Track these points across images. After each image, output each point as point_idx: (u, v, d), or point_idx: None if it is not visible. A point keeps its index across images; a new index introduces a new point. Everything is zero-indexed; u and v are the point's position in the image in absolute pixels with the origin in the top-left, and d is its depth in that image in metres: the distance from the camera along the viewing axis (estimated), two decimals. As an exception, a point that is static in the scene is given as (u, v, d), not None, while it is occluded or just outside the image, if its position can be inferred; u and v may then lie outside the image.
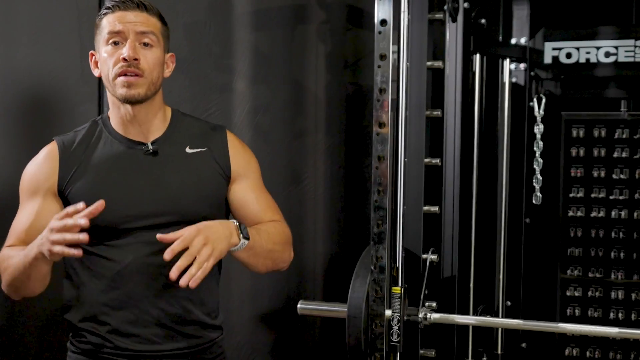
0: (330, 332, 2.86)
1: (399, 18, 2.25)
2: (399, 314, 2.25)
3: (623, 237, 2.60)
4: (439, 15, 2.50)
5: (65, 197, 2.05)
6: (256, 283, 2.93)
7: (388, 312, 2.25)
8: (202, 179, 2.11)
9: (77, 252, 1.84)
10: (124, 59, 1.98)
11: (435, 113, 2.49)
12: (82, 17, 2.77)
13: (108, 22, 2.03)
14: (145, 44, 2.03)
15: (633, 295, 2.60)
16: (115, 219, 2.00)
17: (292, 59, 2.94)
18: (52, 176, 2.06)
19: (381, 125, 2.21)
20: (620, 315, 2.62)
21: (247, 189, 2.19)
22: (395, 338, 2.25)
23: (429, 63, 2.46)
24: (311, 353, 2.97)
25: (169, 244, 1.86)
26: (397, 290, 2.26)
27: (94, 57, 2.10)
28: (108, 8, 2.04)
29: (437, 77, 2.62)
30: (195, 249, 1.83)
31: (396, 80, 2.25)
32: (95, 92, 2.79)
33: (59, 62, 2.75)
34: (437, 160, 2.48)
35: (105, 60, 2.02)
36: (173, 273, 1.81)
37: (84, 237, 1.83)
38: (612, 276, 2.62)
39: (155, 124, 2.11)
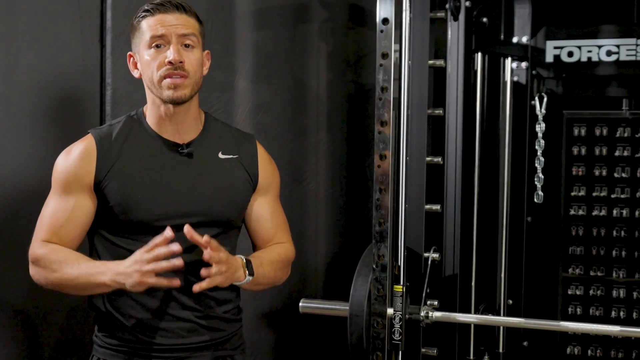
0: (331, 330, 2.86)
1: (400, 17, 2.25)
2: (400, 313, 2.25)
3: (624, 236, 2.61)
4: (440, 14, 2.50)
5: (101, 192, 2.06)
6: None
7: (390, 311, 2.25)
8: (233, 185, 2.17)
9: (175, 282, 1.96)
10: (170, 62, 2.02)
11: (436, 112, 2.49)
12: (84, 16, 2.78)
13: (149, 26, 2.05)
14: (187, 46, 2.07)
15: (634, 294, 2.61)
16: (150, 216, 2.04)
17: (294, 57, 2.94)
18: (90, 172, 2.06)
19: (383, 123, 2.21)
20: (621, 313, 2.62)
21: (266, 204, 2.25)
22: (397, 336, 2.25)
23: (430, 62, 2.46)
24: (313, 351, 2.97)
25: (195, 244, 1.99)
26: (398, 288, 2.26)
27: (132, 58, 2.13)
28: (147, 11, 2.06)
29: (438, 76, 2.62)
30: (217, 271, 1.98)
31: (398, 79, 2.25)
32: (97, 90, 2.80)
33: (61, 61, 2.75)
34: (438, 159, 2.48)
35: (148, 63, 2.05)
36: (202, 273, 1.97)
37: (179, 262, 1.94)
38: (614, 275, 2.63)
39: (191, 125, 2.15)
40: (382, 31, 2.20)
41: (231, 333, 2.19)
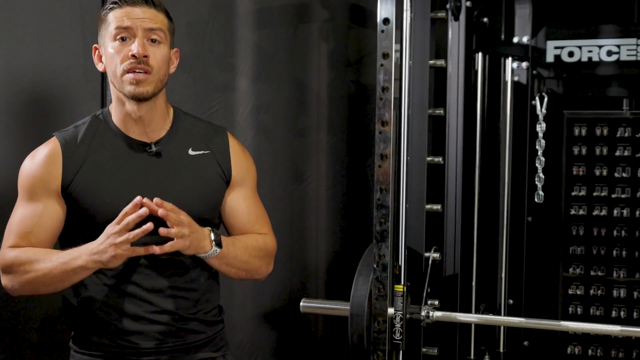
0: (332, 330, 2.87)
1: (401, 17, 2.25)
2: (401, 312, 2.25)
3: (625, 236, 2.61)
4: (441, 14, 2.50)
5: (70, 196, 2.03)
6: (258, 282, 2.93)
7: (391, 310, 2.26)
8: (205, 182, 2.12)
9: (152, 248, 1.91)
10: (134, 56, 1.97)
11: (437, 111, 2.49)
12: (84, 15, 2.78)
13: (115, 17, 2.00)
14: (154, 41, 2.01)
15: (635, 294, 2.61)
16: (112, 219, 1.97)
17: (295, 57, 2.94)
18: (56, 176, 2.02)
19: (384, 123, 2.22)
20: (622, 313, 2.62)
21: (241, 198, 2.19)
22: (397, 336, 2.26)
23: (431, 62, 2.46)
24: (314, 351, 2.97)
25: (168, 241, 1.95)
26: (399, 288, 2.27)
27: (97, 51, 2.07)
28: (115, 3, 2.01)
29: (439, 76, 2.62)
30: (177, 232, 1.92)
31: (399, 79, 2.26)
32: (98, 89, 2.80)
33: (62, 60, 2.75)
34: (439, 159, 2.48)
35: (112, 56, 2.00)
36: (161, 231, 1.90)
37: (149, 225, 1.88)
38: (614, 274, 2.63)
39: (158, 124, 2.09)
40: (383, 31, 2.20)
41: (211, 335, 2.16)
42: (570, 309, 2.67)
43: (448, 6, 2.50)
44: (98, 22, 2.07)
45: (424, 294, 2.34)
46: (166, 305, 2.06)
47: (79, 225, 2.05)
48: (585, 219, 2.65)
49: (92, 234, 1.97)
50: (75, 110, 2.83)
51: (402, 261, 2.28)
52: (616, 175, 2.61)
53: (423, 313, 2.32)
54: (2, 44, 2.67)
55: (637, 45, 2.51)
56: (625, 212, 2.60)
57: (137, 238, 1.89)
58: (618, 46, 2.53)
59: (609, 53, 2.54)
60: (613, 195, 2.61)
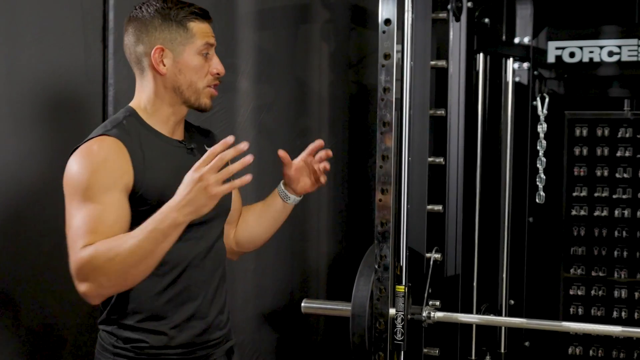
0: (334, 330, 2.87)
1: (402, 17, 2.25)
2: (402, 313, 2.25)
3: (626, 236, 2.61)
4: (442, 15, 2.50)
5: (137, 195, 1.97)
6: (260, 282, 2.94)
7: (392, 311, 2.26)
8: None
9: (247, 177, 1.83)
10: (217, 74, 2.09)
11: (438, 112, 2.49)
12: (86, 16, 2.78)
13: (202, 32, 2.05)
14: None
15: (636, 294, 2.61)
16: None
17: (296, 58, 2.94)
18: (129, 172, 1.96)
19: (385, 124, 2.22)
20: (623, 314, 2.62)
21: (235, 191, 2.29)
22: (399, 337, 2.26)
23: (432, 62, 2.46)
24: (315, 352, 2.98)
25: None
26: (401, 289, 2.27)
27: (162, 52, 2.04)
28: (196, 14, 2.05)
29: (440, 77, 2.62)
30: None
31: (400, 80, 2.26)
32: (99, 91, 2.79)
33: (64, 61, 2.75)
34: (440, 159, 2.48)
35: (195, 69, 2.05)
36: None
37: (249, 158, 1.83)
38: (615, 275, 2.63)
39: (182, 125, 2.17)
40: (384, 32, 2.21)
41: (228, 329, 2.20)
42: (571, 309, 2.68)
43: (449, 7, 2.50)
44: (158, 21, 2.04)
45: (425, 295, 2.34)
46: (213, 298, 2.11)
47: (135, 221, 1.97)
48: (586, 219, 2.65)
49: None
50: (77, 112, 2.83)
51: (403, 262, 2.28)
52: (617, 175, 2.61)
53: (424, 313, 2.32)
54: (3, 44, 2.67)
55: (638, 45, 2.52)
56: (626, 212, 2.61)
57: (233, 173, 1.83)
58: (619, 47, 2.53)
59: (610, 54, 2.54)
60: (614, 196, 2.62)
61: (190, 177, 1.83)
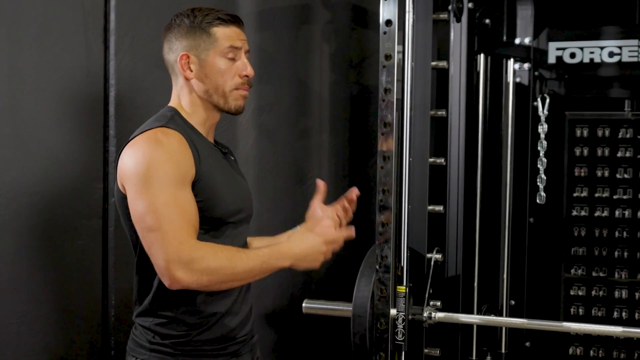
0: (335, 331, 2.87)
1: (403, 18, 2.26)
2: (403, 313, 2.26)
3: (627, 237, 2.61)
4: (443, 16, 2.50)
5: (193, 188, 2.02)
6: (261, 282, 2.91)
7: (393, 311, 2.26)
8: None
9: (351, 231, 2.15)
10: (246, 76, 2.11)
11: (439, 113, 2.50)
12: (87, 17, 2.78)
13: (226, 35, 2.09)
14: (247, 60, 2.15)
15: (637, 295, 2.61)
16: (226, 213, 2.06)
17: (297, 59, 2.95)
18: (192, 165, 2.02)
19: (386, 125, 2.22)
20: (624, 314, 2.62)
21: None
22: (400, 337, 2.26)
23: (433, 63, 2.46)
24: (316, 352, 2.98)
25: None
26: (401, 289, 2.27)
27: (188, 59, 2.11)
28: (220, 19, 2.10)
29: (441, 77, 2.63)
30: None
31: (401, 80, 2.26)
32: (100, 91, 2.80)
33: (65, 62, 2.75)
34: (441, 160, 2.49)
35: (221, 72, 2.09)
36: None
37: (352, 231, 2.14)
38: (616, 275, 2.63)
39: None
40: (385, 33, 2.21)
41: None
42: (572, 309, 2.68)
43: (450, 8, 2.51)
44: (185, 29, 2.10)
45: (426, 295, 2.34)
46: (247, 293, 2.19)
47: None
48: (586, 220, 2.65)
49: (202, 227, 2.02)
50: (78, 112, 2.83)
51: (404, 262, 2.28)
52: (618, 176, 2.61)
53: (425, 314, 2.32)
54: (4, 45, 2.67)
55: (639, 46, 2.52)
56: (626, 213, 2.61)
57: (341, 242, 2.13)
58: (620, 47, 2.53)
59: (611, 54, 2.55)
60: (615, 197, 2.62)
61: (314, 240, 2.06)
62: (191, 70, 2.10)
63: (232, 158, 2.24)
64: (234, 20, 2.13)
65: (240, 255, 1.97)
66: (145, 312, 2.06)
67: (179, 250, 1.91)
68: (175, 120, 2.08)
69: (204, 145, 2.10)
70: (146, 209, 1.93)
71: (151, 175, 1.94)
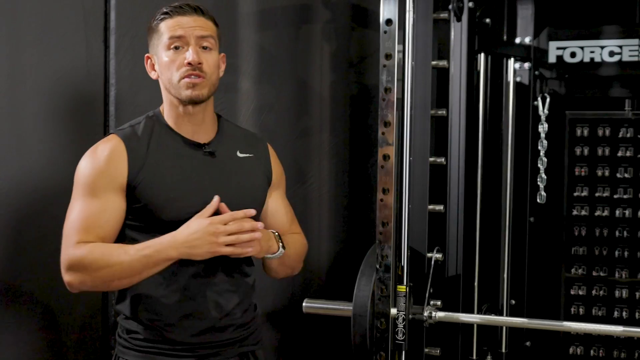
0: (335, 330, 2.87)
1: (404, 17, 2.26)
2: (404, 313, 2.26)
3: (627, 236, 2.61)
4: (443, 15, 2.50)
5: (132, 193, 2.06)
6: (261, 282, 2.92)
7: (393, 311, 2.26)
8: (253, 182, 2.21)
9: (248, 248, 2.00)
10: (189, 63, 2.06)
11: (440, 112, 2.50)
12: (87, 17, 2.78)
13: (168, 27, 2.08)
14: (205, 48, 2.09)
15: (637, 294, 2.61)
16: (181, 215, 2.04)
17: (297, 58, 2.94)
18: (123, 172, 2.06)
19: (386, 124, 2.22)
20: (624, 313, 2.62)
21: (279, 199, 2.30)
22: (400, 336, 2.26)
23: (433, 62, 2.47)
24: (316, 351, 2.98)
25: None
26: (402, 288, 2.27)
27: (149, 60, 2.16)
28: (166, 13, 2.09)
29: (441, 77, 2.63)
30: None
31: (401, 80, 2.26)
32: (101, 91, 2.80)
33: (65, 62, 2.76)
34: (442, 159, 2.49)
35: (167, 65, 2.09)
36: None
37: (258, 235, 2.00)
38: (617, 275, 2.63)
39: (209, 126, 2.18)
40: (385, 32, 2.21)
41: (253, 328, 2.21)
42: (572, 309, 2.68)
43: (450, 7, 2.51)
44: (148, 32, 2.14)
45: (427, 295, 2.34)
46: (216, 299, 2.14)
47: (132, 220, 2.09)
48: (587, 219, 2.65)
49: (144, 229, 2.05)
50: (78, 111, 2.84)
51: (404, 262, 2.28)
52: (618, 175, 2.61)
53: (425, 313, 2.32)
54: (4, 45, 2.67)
55: (639, 46, 2.52)
56: (627, 212, 2.61)
57: (242, 243, 1.98)
58: (620, 47, 2.54)
59: (611, 54, 2.55)
60: (615, 196, 2.62)
61: (200, 222, 1.97)
62: (154, 70, 2.15)
63: (232, 155, 2.18)
64: (179, 10, 2.09)
65: (118, 250, 1.99)
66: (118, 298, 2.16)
67: (65, 254, 2.02)
68: (140, 124, 2.13)
69: (171, 147, 2.10)
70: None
71: (75, 184, 2.08)
